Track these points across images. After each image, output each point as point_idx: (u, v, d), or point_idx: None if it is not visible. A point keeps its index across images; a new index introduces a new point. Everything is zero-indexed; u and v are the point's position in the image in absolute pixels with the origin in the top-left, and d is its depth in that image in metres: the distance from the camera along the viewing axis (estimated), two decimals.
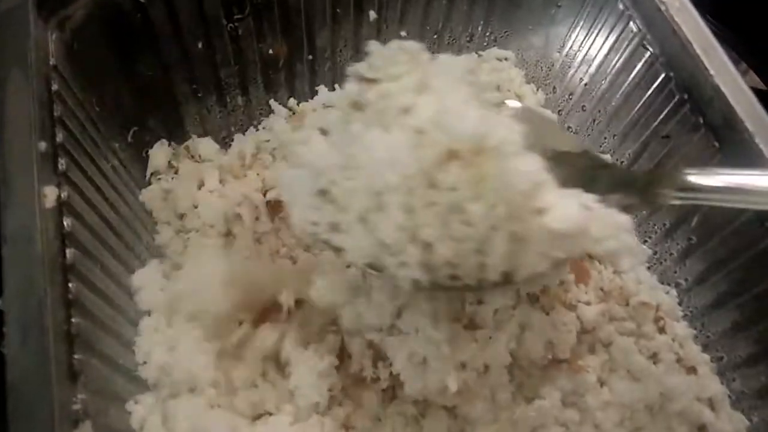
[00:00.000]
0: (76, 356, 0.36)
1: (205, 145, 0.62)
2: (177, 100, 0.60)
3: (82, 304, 0.38)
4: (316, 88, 0.64)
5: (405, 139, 0.34)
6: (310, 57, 0.62)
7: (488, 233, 0.33)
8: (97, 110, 0.52)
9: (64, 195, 0.40)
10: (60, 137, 0.43)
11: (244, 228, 0.58)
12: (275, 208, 0.61)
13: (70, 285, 0.38)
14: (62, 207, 0.40)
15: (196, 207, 0.59)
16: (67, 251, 0.39)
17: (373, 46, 0.37)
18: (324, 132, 0.38)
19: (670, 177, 0.36)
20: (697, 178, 0.35)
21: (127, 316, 0.47)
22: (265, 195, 0.61)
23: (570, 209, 0.33)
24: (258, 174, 0.62)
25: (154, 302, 0.48)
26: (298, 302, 0.52)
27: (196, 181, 0.60)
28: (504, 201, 0.32)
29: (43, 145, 0.40)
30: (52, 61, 0.46)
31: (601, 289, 0.50)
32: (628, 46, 0.54)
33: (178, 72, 0.57)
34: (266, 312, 0.52)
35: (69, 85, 0.47)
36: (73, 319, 0.37)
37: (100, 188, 0.48)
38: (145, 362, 0.45)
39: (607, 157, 0.58)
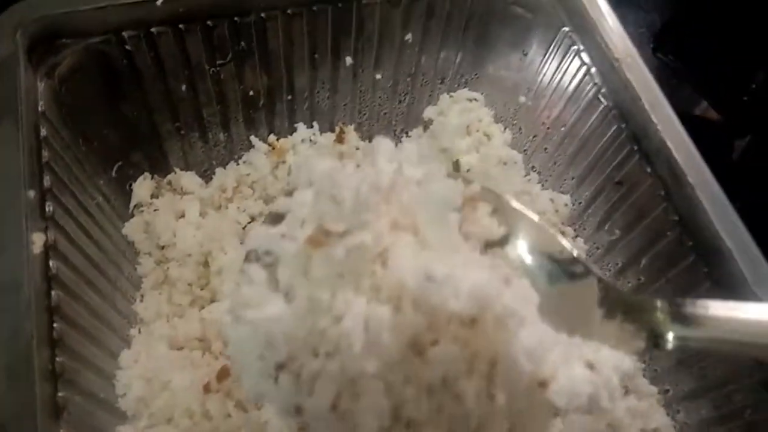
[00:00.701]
0: (60, 394, 0.38)
1: (188, 179, 0.65)
2: (161, 137, 0.63)
3: (66, 343, 0.41)
4: (295, 125, 0.67)
5: (383, 311, 0.27)
6: (289, 97, 0.65)
7: (483, 409, 0.29)
8: (83, 150, 0.54)
9: (50, 239, 0.43)
10: (47, 182, 0.45)
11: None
12: None
13: (55, 326, 0.40)
14: (49, 251, 0.42)
15: (175, 237, 0.61)
16: (53, 293, 0.41)
17: (346, 192, 0.30)
18: (270, 266, 0.31)
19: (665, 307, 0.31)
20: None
21: (107, 350, 0.49)
22: (244, 228, 0.64)
23: (576, 380, 0.29)
24: (239, 207, 0.65)
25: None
26: None
27: (177, 213, 0.63)
28: (503, 379, 0.28)
29: (31, 194, 0.42)
30: (40, 108, 0.48)
31: None
32: (585, 96, 0.57)
33: (163, 112, 0.60)
34: None
35: (57, 129, 0.50)
36: (57, 359, 0.39)
37: (84, 227, 0.50)
38: (124, 394, 0.48)
39: (567, 197, 0.61)
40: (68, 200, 0.48)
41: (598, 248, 0.58)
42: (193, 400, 0.48)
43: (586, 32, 0.56)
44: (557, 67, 0.60)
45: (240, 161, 0.67)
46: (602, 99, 0.55)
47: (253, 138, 0.66)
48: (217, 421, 0.48)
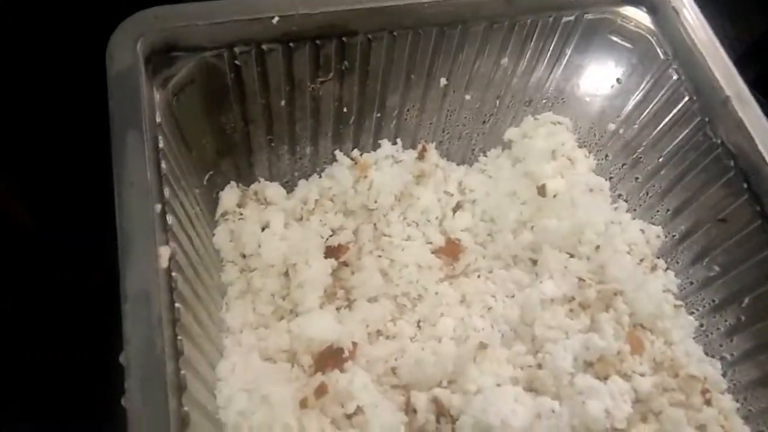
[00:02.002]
0: (184, 408, 0.39)
1: (272, 189, 0.66)
2: (251, 148, 0.63)
3: (186, 355, 0.41)
4: (380, 141, 0.68)
5: None
6: (379, 114, 0.65)
7: None
8: (186, 160, 0.55)
9: (172, 251, 0.43)
10: (166, 194, 0.46)
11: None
12: (334, 252, 0.64)
13: (178, 339, 0.41)
14: (170, 264, 0.43)
15: (259, 248, 0.62)
16: (175, 305, 0.42)
17: None
18: None
19: None
20: None
21: (208, 360, 0.50)
22: (326, 240, 0.64)
23: None
24: (320, 220, 0.65)
25: None
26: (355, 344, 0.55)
27: (261, 223, 0.64)
28: None
29: (158, 207, 0.43)
30: (158, 120, 0.49)
31: (654, 360, 0.53)
32: (687, 130, 0.57)
33: (258, 124, 0.61)
34: (324, 357, 0.55)
35: (170, 141, 0.51)
36: (181, 372, 0.40)
37: (189, 236, 0.51)
38: (225, 406, 0.48)
39: (659, 229, 0.61)
40: (180, 211, 0.49)
41: (692, 283, 0.57)
42: (290, 415, 0.48)
43: (692, 65, 0.56)
44: (655, 98, 0.60)
45: (323, 174, 0.68)
46: (710, 134, 0.54)
47: (337, 152, 0.67)
48: None
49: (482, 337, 0.54)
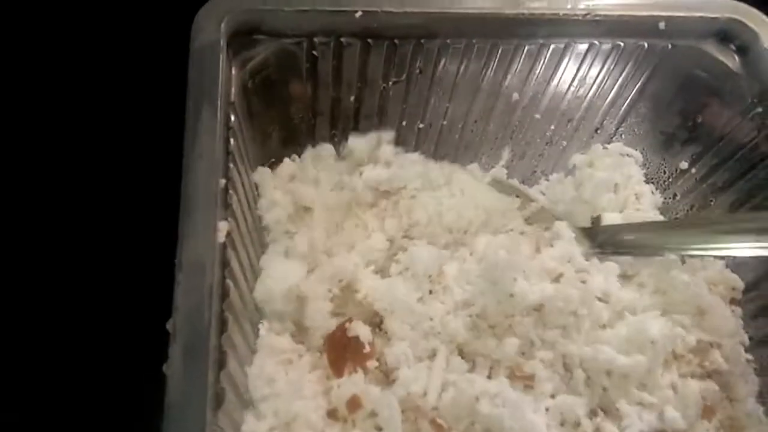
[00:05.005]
0: (221, 384, 0.39)
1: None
2: (315, 141, 0.63)
3: (229, 333, 0.41)
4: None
5: None
6: (444, 122, 0.64)
7: None
8: (251, 143, 0.56)
9: (230, 227, 0.44)
10: (231, 171, 0.46)
11: None
12: None
13: (224, 314, 0.41)
14: (227, 239, 0.43)
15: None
16: (226, 281, 0.42)
17: None
18: None
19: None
20: None
21: (246, 340, 0.49)
22: None
23: None
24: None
25: None
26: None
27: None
28: None
29: (222, 182, 0.43)
30: (232, 98, 0.50)
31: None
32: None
33: (324, 117, 0.61)
34: (342, 348, 0.52)
35: (240, 121, 0.51)
36: (222, 348, 0.40)
37: (245, 218, 0.51)
38: (254, 389, 0.47)
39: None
40: (240, 190, 0.49)
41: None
42: (318, 419, 0.47)
43: None
44: (735, 141, 0.58)
45: None
46: None
47: None
48: None
49: None
